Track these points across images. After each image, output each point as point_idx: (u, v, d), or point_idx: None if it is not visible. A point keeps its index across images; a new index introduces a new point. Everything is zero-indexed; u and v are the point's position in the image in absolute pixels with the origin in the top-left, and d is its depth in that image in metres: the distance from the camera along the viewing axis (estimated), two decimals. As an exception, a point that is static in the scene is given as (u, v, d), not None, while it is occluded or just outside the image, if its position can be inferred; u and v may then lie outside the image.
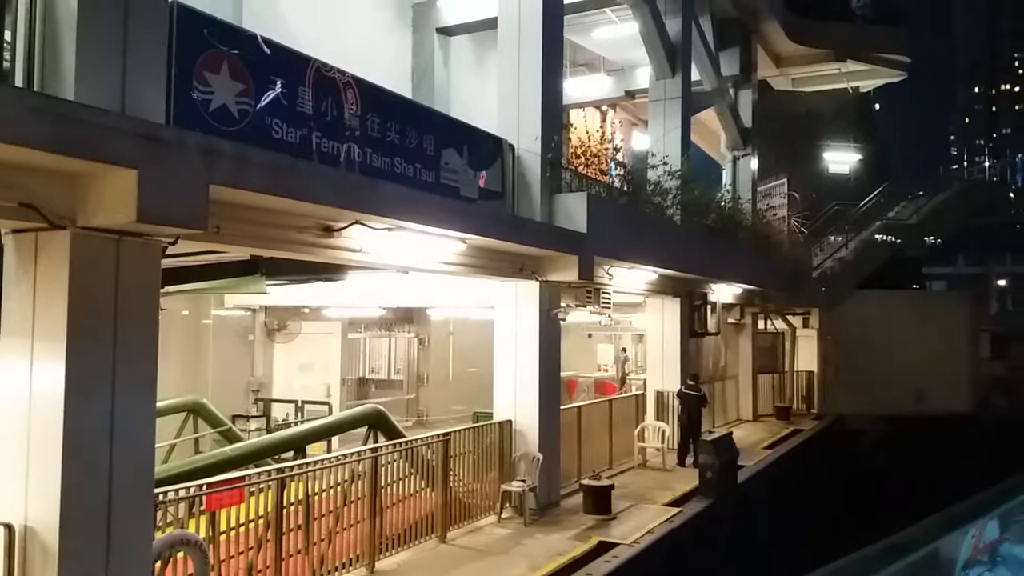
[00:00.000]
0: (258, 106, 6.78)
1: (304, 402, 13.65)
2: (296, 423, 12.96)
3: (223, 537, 6.59)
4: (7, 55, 5.33)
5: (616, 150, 13.71)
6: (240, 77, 6.62)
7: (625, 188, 13.70)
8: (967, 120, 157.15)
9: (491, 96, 17.52)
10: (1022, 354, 35.03)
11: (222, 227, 5.84)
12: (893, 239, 28.12)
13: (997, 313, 60.47)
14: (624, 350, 22.31)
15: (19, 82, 5.26)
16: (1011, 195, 38.10)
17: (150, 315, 5.56)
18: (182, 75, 6.11)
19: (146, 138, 4.95)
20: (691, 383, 14.73)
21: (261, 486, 6.89)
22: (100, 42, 5.27)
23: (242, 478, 6.75)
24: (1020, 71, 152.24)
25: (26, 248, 5.25)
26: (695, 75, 18.05)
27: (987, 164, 37.21)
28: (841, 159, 36.37)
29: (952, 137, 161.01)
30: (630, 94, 22.23)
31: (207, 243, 6.14)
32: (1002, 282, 71.19)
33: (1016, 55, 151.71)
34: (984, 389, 27.88)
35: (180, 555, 6.10)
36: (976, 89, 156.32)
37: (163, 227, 5.17)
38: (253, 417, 13.33)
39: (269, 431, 12.63)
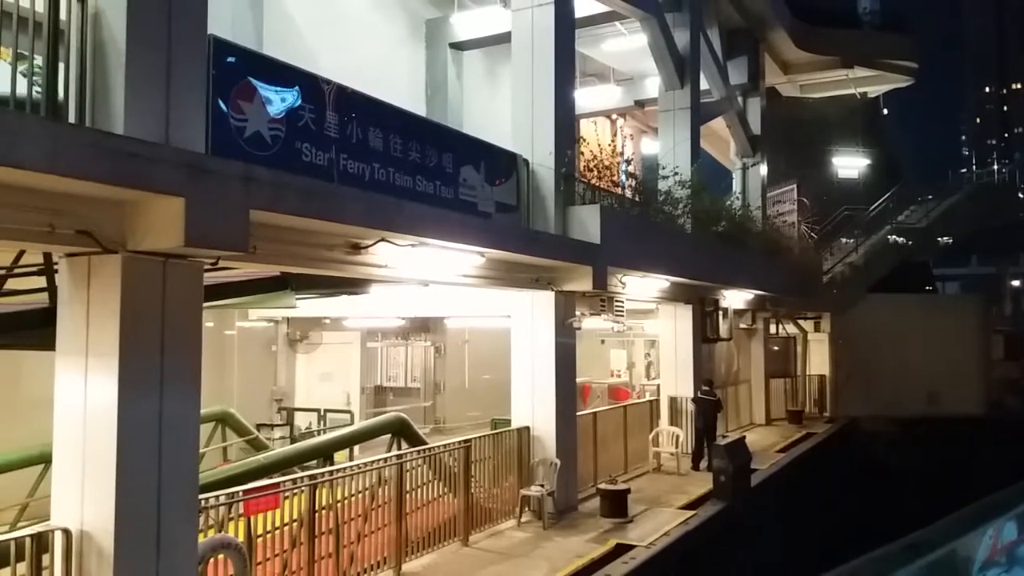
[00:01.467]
0: (288, 131, 7.14)
1: (327, 410, 14.02)
2: (319, 431, 13.32)
3: (259, 540, 6.93)
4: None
5: (628, 162, 14.01)
6: (271, 104, 6.98)
7: (636, 199, 14.00)
8: (978, 120, 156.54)
9: (502, 108, 17.90)
10: (1036, 355, 35.05)
11: (259, 247, 6.19)
12: (905, 241, 28.31)
13: (1012, 314, 60.20)
14: (648, 355, 22.54)
15: (71, 115, 5.63)
16: (1021, 195, 38.12)
17: (194, 331, 5.94)
18: (219, 104, 6.48)
19: (192, 168, 5.32)
20: (706, 388, 15.03)
21: (295, 491, 7.24)
22: (146, 77, 5.64)
23: (277, 484, 7.11)
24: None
25: (79, 271, 5.62)
26: (703, 84, 18.35)
27: (996, 167, 37.30)
28: (850, 164, 36.59)
29: (964, 137, 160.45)
30: (640, 103, 22.50)
31: (245, 263, 6.50)
32: (1016, 283, 70.89)
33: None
34: (997, 391, 27.94)
35: (220, 557, 6.45)
36: (987, 89, 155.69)
37: (208, 250, 5.53)
38: (277, 426, 13.68)
39: (293, 439, 12.98)
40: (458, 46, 17.42)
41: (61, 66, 5.59)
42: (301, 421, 14.23)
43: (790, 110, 27.31)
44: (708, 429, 14.61)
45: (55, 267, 6.17)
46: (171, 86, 5.79)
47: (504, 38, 16.89)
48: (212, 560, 6.42)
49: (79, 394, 5.56)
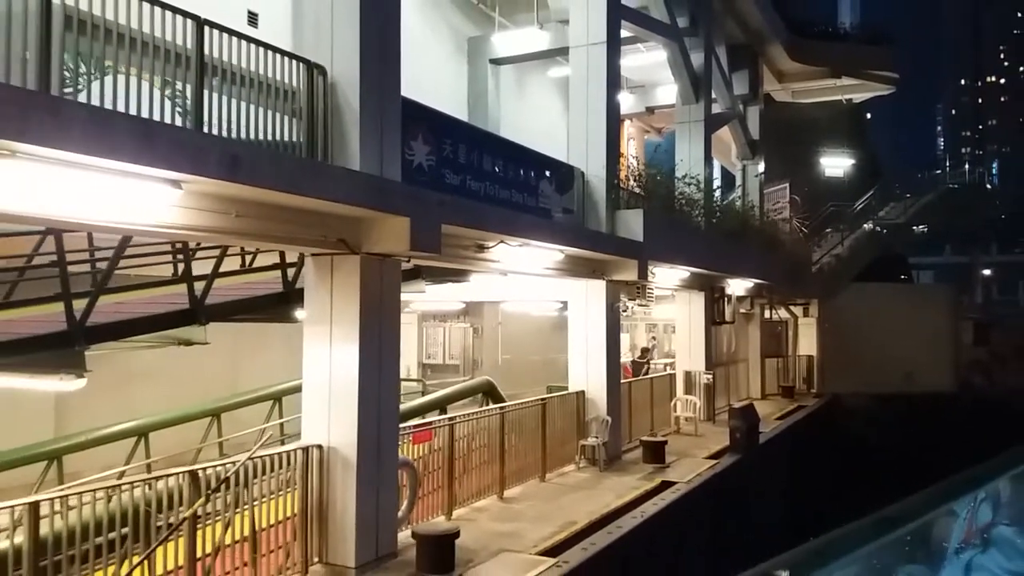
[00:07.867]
0: (437, 161, 9.54)
1: (401, 379, 16.38)
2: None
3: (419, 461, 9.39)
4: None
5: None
6: (428, 141, 9.37)
7: (643, 196, 16.35)
8: (953, 112, 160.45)
9: (531, 115, 20.39)
10: (1002, 340, 38.26)
11: (431, 249, 8.61)
12: (882, 230, 31.11)
13: (983, 302, 63.42)
14: (654, 337, 25.05)
15: (319, 156, 7.98)
16: (987, 189, 41.11)
17: (396, 309, 8.37)
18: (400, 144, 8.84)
19: (413, 196, 7.74)
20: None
21: (441, 427, 9.73)
22: (369, 129, 8.02)
23: (431, 423, 9.58)
24: (1006, 63, 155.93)
25: (323, 266, 8.02)
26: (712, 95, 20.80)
27: (967, 168, 40.29)
28: (836, 164, 39.37)
29: (939, 128, 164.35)
30: (650, 110, 25.05)
31: (424, 259, 8.93)
32: (988, 272, 74.29)
33: (1001, 47, 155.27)
34: (966, 371, 30.99)
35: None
36: (962, 81, 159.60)
37: (419, 252, 7.93)
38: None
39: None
40: (496, 61, 19.74)
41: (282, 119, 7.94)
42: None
43: (783, 114, 29.86)
44: None
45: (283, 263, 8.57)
46: (383, 134, 8.18)
47: (535, 56, 19.47)
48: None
49: (325, 351, 7.97)
